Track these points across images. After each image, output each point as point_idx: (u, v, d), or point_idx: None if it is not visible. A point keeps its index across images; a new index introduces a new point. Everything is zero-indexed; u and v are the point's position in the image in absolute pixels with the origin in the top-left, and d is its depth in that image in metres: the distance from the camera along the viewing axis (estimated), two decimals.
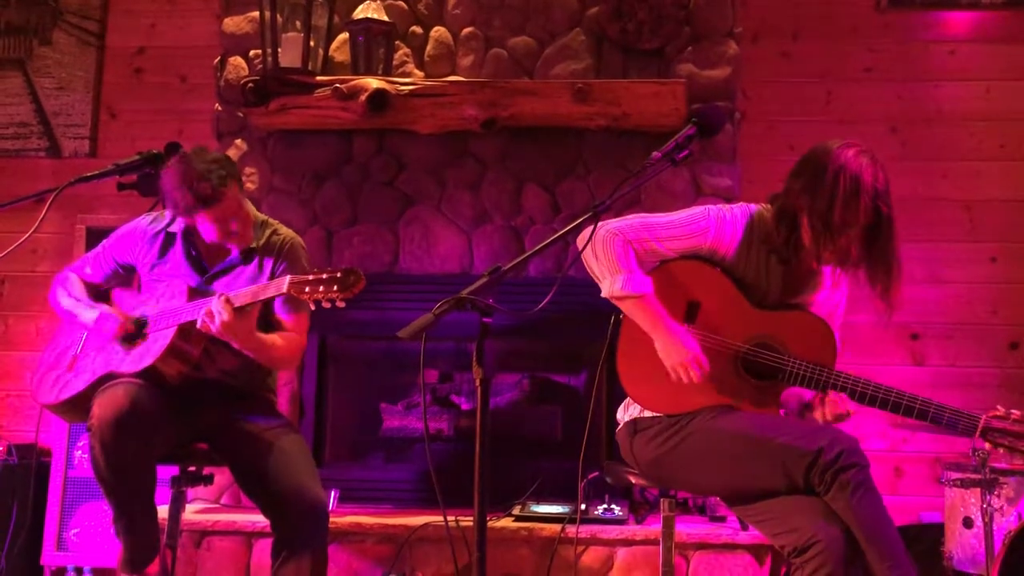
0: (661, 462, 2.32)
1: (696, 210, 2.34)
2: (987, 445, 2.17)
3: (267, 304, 2.63)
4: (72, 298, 2.72)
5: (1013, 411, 2.14)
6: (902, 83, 3.99)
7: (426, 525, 3.06)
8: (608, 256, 2.24)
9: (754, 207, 2.36)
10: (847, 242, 2.19)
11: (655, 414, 2.34)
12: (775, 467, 2.15)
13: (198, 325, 2.41)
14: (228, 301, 2.39)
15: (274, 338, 2.58)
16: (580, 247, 2.19)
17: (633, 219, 2.30)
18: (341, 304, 2.29)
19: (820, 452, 2.08)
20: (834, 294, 2.39)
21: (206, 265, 2.68)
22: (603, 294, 2.29)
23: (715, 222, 2.30)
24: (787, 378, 2.24)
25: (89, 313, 2.64)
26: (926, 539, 3.16)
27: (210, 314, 2.38)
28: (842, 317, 2.44)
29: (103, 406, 2.34)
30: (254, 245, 2.67)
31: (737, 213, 2.33)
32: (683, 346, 2.23)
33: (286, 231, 2.76)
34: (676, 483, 2.40)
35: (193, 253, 2.68)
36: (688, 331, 2.27)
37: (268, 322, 2.64)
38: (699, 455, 2.26)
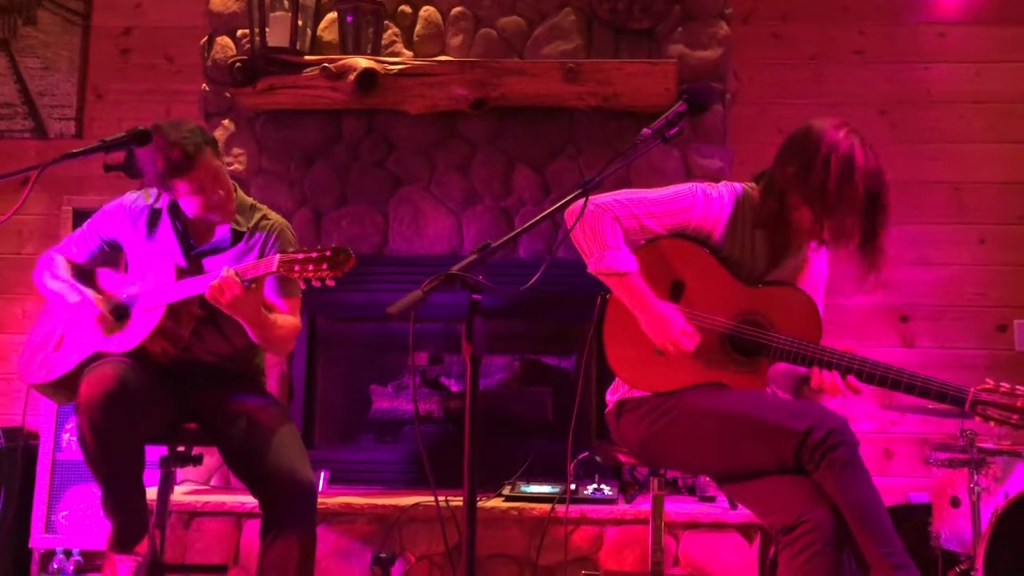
0: (650, 442, 2.32)
1: (683, 186, 2.34)
2: (977, 418, 2.16)
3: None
4: (57, 279, 2.70)
5: (1002, 384, 2.15)
6: (892, 65, 4.00)
7: (416, 505, 3.07)
8: (595, 232, 2.24)
9: (740, 186, 2.37)
10: (849, 221, 2.20)
11: (643, 394, 2.34)
12: (764, 447, 2.15)
13: (207, 296, 2.39)
14: (237, 274, 2.37)
15: (276, 317, 2.56)
16: (569, 223, 2.19)
17: (621, 195, 2.30)
18: (331, 283, 2.28)
19: (809, 431, 2.08)
20: (816, 268, 2.41)
21: (193, 243, 2.66)
22: (588, 270, 2.29)
23: (702, 198, 2.31)
24: (774, 354, 2.24)
25: (73, 296, 2.63)
26: (914, 519, 3.18)
27: (218, 288, 2.36)
28: (824, 289, 2.45)
29: (91, 384, 2.32)
30: (243, 228, 2.65)
31: (724, 191, 2.34)
32: (669, 319, 2.24)
33: (276, 217, 2.74)
34: (665, 462, 2.40)
35: (180, 230, 2.65)
36: (673, 308, 2.27)
37: (264, 306, 2.62)
38: (688, 435, 2.26)
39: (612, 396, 2.44)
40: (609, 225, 2.24)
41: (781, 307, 2.27)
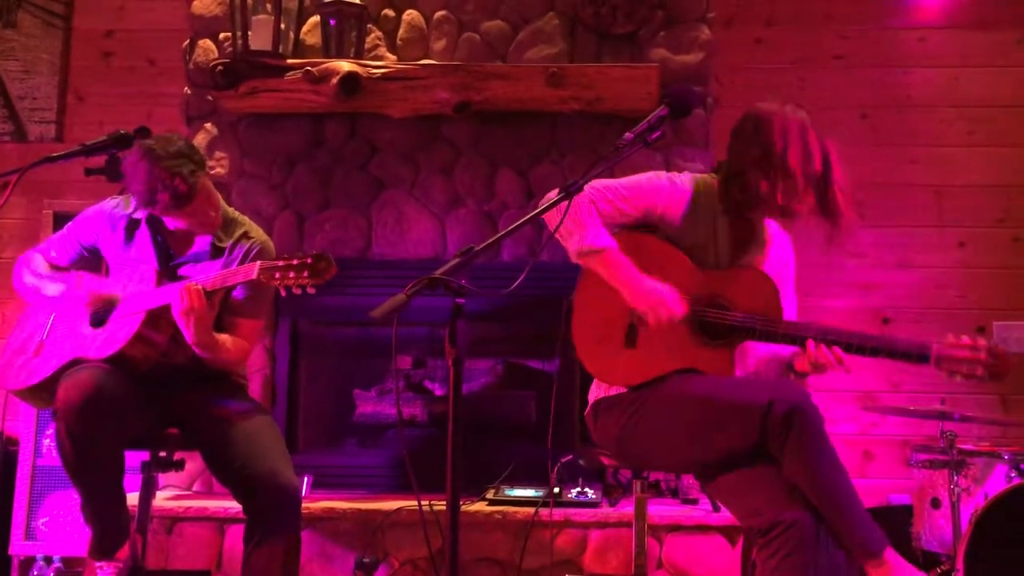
0: (626, 438, 2.34)
1: (649, 173, 2.45)
2: (943, 373, 2.20)
3: (225, 304, 2.58)
4: (35, 275, 2.67)
5: (962, 337, 2.20)
6: (873, 69, 4.03)
7: (399, 510, 3.06)
8: (573, 216, 2.29)
9: (696, 174, 2.47)
10: (801, 184, 2.30)
11: (618, 392, 2.37)
12: (730, 427, 2.16)
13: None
14: (198, 287, 2.37)
15: (225, 338, 2.55)
16: (550, 223, 2.23)
17: (595, 183, 2.34)
18: (312, 290, 2.27)
19: (771, 405, 2.10)
20: (781, 253, 2.48)
21: (172, 252, 2.65)
22: (571, 252, 2.34)
23: (667, 183, 2.41)
24: (740, 334, 2.29)
25: (53, 287, 2.60)
26: (895, 520, 3.20)
27: (182, 294, 2.36)
28: (790, 278, 2.51)
29: (68, 390, 2.31)
30: (223, 244, 2.62)
31: (684, 178, 2.44)
32: (656, 288, 2.28)
33: (257, 233, 2.70)
34: (643, 457, 2.39)
35: (159, 239, 2.63)
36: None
37: (222, 323, 2.59)
38: (660, 425, 2.28)
39: (591, 397, 2.47)
40: (586, 208, 2.31)
41: (740, 287, 2.33)
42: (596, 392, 2.44)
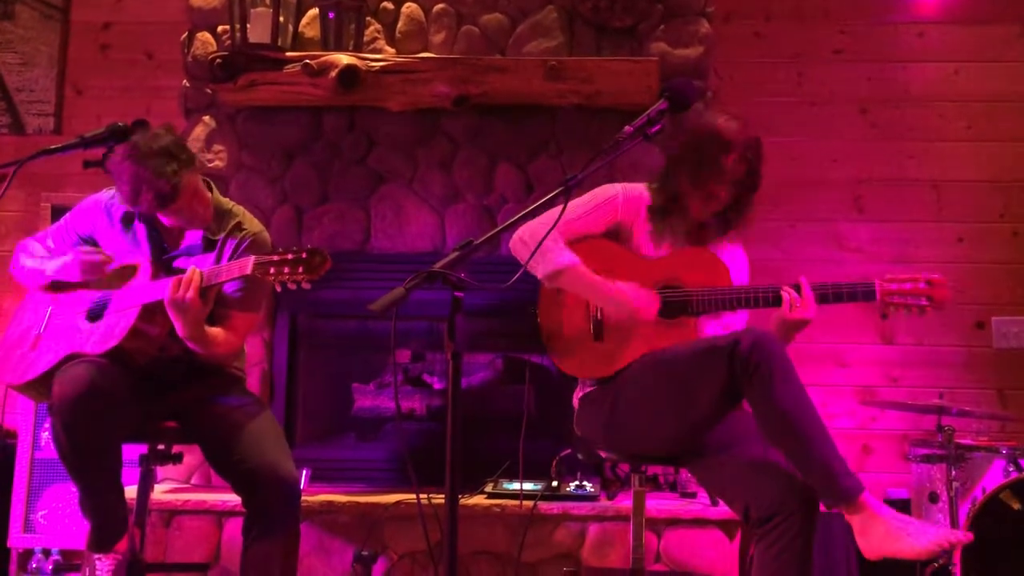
0: (611, 426, 2.36)
1: (600, 187, 2.53)
2: (889, 310, 2.30)
3: (218, 297, 2.56)
4: (35, 258, 2.67)
5: (898, 274, 2.30)
6: (872, 64, 4.02)
7: (398, 503, 3.06)
8: (538, 246, 2.33)
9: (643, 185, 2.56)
10: (716, 191, 2.40)
11: (592, 388, 2.43)
12: (702, 372, 2.17)
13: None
14: (199, 272, 2.36)
15: (217, 332, 2.54)
16: (522, 260, 2.31)
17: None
18: (307, 286, 2.26)
19: (736, 343, 2.10)
20: (732, 259, 2.56)
21: (166, 246, 2.64)
22: (540, 278, 2.40)
23: (621, 191, 2.50)
24: (696, 307, 2.36)
25: (53, 263, 2.59)
26: None
27: (176, 283, 2.35)
28: (744, 275, 2.59)
29: (63, 385, 2.30)
30: (216, 236, 2.61)
31: (636, 187, 2.53)
32: (621, 292, 2.36)
33: (251, 224, 2.68)
34: (633, 441, 2.38)
35: (153, 235, 2.62)
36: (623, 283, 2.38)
37: (214, 316, 2.56)
38: (639, 401, 2.31)
39: (574, 403, 2.51)
40: (550, 237, 2.34)
41: (688, 266, 2.42)
42: (576, 396, 2.51)
